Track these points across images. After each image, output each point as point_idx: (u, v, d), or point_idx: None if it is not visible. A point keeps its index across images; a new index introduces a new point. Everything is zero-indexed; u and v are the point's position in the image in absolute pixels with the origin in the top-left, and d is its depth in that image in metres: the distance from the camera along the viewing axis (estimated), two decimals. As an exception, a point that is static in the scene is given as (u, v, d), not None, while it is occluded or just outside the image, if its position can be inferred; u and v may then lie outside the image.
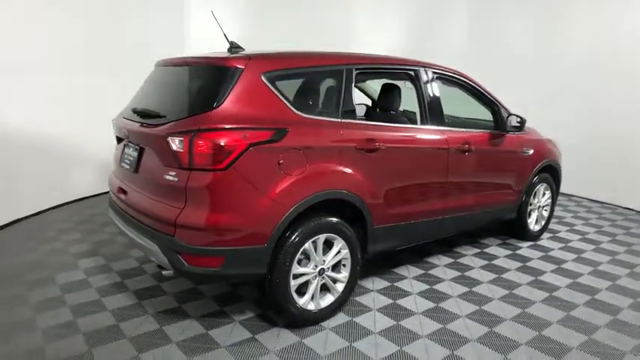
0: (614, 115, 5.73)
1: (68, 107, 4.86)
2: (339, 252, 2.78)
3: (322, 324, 2.77)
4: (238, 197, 2.34)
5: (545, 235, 4.60)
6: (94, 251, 3.80)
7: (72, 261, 3.60)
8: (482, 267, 3.72)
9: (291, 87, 2.69)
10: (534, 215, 4.37)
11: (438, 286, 3.33)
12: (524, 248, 4.20)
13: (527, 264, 3.83)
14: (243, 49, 2.98)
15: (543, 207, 4.47)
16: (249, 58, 2.53)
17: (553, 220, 5.11)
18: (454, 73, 3.61)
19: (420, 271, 3.58)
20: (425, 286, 3.33)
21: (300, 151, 2.51)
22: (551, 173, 4.43)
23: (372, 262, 3.62)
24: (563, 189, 6.37)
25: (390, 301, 3.10)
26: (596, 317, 2.95)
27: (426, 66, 3.38)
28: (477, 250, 4.09)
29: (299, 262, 2.63)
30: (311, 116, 2.65)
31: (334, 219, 2.70)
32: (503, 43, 6.87)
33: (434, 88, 3.35)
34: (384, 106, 3.45)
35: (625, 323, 2.88)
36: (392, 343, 2.59)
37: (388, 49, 7.06)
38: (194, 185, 2.32)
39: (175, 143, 2.33)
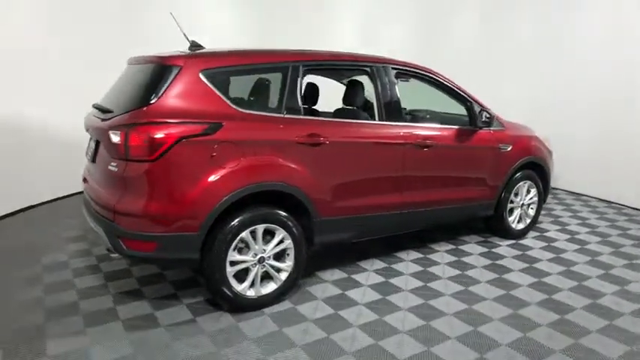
0: (627, 112, 5.42)
1: (83, 101, 5.23)
2: (281, 242, 2.90)
3: (264, 310, 2.90)
4: (170, 187, 2.52)
5: (532, 233, 4.47)
6: (82, 237, 4.14)
7: (61, 245, 3.94)
8: (449, 263, 3.70)
9: (234, 83, 2.83)
10: (516, 213, 4.26)
11: (394, 280, 3.36)
12: (503, 247, 4.12)
13: (497, 262, 3.76)
14: (203, 48, 3.16)
15: (528, 205, 4.35)
16: (188, 56, 2.70)
17: (547, 219, 4.95)
18: (420, 70, 3.61)
19: (382, 265, 3.62)
20: (380, 279, 3.37)
21: (234, 144, 2.65)
22: (537, 171, 4.30)
23: (338, 254, 3.73)
24: (572, 188, 6.19)
25: (339, 291, 3.17)
26: (543, 317, 2.88)
27: (384, 62, 3.41)
28: (451, 247, 4.06)
29: (239, 250, 2.78)
30: (250, 111, 2.78)
31: (273, 210, 2.82)
32: (511, 39, 6.65)
33: (392, 85, 3.38)
34: (346, 103, 3.52)
35: (570, 322, 2.80)
36: (322, 330, 2.67)
37: (402, 49, 7.09)
38: (129, 175, 2.52)
39: (114, 136, 2.54)
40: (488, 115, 3.76)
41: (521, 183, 4.19)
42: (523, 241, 4.26)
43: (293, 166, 2.85)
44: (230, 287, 2.74)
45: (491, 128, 3.92)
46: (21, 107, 4.65)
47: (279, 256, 2.94)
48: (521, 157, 4.10)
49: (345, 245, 3.63)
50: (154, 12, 5.54)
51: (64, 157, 5.04)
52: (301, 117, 2.95)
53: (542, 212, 5.20)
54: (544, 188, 4.41)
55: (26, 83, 4.66)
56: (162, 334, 2.62)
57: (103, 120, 2.78)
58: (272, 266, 2.90)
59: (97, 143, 2.91)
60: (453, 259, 3.80)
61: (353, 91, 3.50)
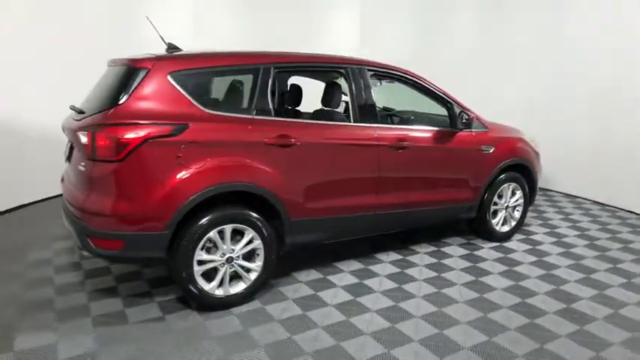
0: (626, 114, 5.32)
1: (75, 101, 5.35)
2: (251, 242, 2.93)
3: (233, 309, 2.92)
4: (136, 187, 2.57)
5: (518, 236, 4.42)
6: (69, 235, 4.20)
7: (47, 243, 4.03)
8: (428, 265, 3.69)
9: (203, 85, 2.87)
10: (501, 215, 4.22)
11: (369, 281, 3.36)
12: (485, 249, 4.08)
13: (477, 264, 3.73)
14: (181, 50, 3.21)
15: (514, 207, 4.31)
16: (157, 59, 2.74)
17: (536, 222, 4.90)
18: (398, 72, 3.60)
19: (359, 266, 3.63)
20: (355, 280, 3.37)
21: (200, 145, 2.68)
22: (523, 173, 4.26)
23: (316, 254, 3.74)
24: (568, 190, 6.09)
25: (311, 292, 3.19)
26: (512, 320, 2.86)
27: (360, 64, 3.41)
28: (433, 249, 4.04)
29: (208, 250, 2.81)
30: (218, 112, 2.81)
31: (242, 210, 2.85)
32: (510, 39, 6.57)
33: (367, 87, 3.38)
34: (324, 104, 3.53)
35: (540, 327, 2.77)
36: (286, 331, 2.69)
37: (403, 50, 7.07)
38: (97, 175, 2.58)
39: (83, 137, 2.60)
40: (467, 117, 3.73)
41: (505, 185, 4.15)
42: (507, 244, 4.22)
43: (261, 167, 2.87)
44: (197, 286, 2.78)
45: (473, 130, 3.89)
46: (12, 108, 4.75)
47: (250, 256, 2.97)
48: (505, 159, 4.06)
49: (324, 246, 3.65)
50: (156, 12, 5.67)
51: (57, 156, 5.15)
52: (271, 118, 2.97)
53: (532, 214, 5.16)
54: (530, 190, 4.36)
55: (18, 84, 4.76)
56: (129, 330, 2.67)
57: (75, 121, 2.84)
58: (241, 266, 2.92)
59: (72, 144, 2.98)
60: (433, 261, 3.78)
61: (330, 92, 3.51)
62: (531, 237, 4.43)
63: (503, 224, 4.28)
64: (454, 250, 4.04)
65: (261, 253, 2.97)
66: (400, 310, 2.96)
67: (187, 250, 2.70)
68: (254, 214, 2.89)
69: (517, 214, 4.35)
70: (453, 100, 3.81)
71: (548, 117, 6.06)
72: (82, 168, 2.66)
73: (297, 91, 4.00)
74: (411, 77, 3.66)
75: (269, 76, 3.00)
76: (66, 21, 5.12)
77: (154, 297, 3.06)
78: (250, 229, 2.89)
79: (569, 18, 5.86)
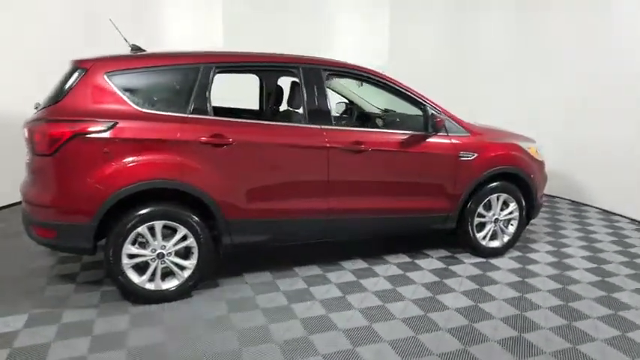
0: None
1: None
2: (184, 239, 2.96)
3: (165, 304, 2.98)
4: (65, 180, 2.72)
5: (513, 252, 3.99)
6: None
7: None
8: (389, 277, 3.46)
9: (140, 85, 2.94)
10: (488, 229, 3.84)
11: (314, 289, 3.24)
12: (465, 264, 3.74)
13: (444, 280, 3.43)
14: (144, 50, 3.34)
15: (508, 221, 3.90)
16: (96, 59, 2.88)
17: (547, 238, 4.38)
18: (360, 71, 3.45)
19: (317, 272, 3.51)
20: (302, 287, 3.27)
21: (128, 142, 2.77)
22: (518, 183, 3.83)
23: (278, 256, 3.70)
24: (607, 206, 5.35)
25: (251, 294, 3.14)
26: (442, 346, 2.58)
27: (313, 63, 3.31)
28: (406, 260, 3.78)
29: (142, 245, 2.90)
30: (151, 111, 2.88)
31: (173, 207, 2.89)
32: (546, 38, 5.95)
33: (320, 87, 3.27)
34: (288, 104, 3.48)
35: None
36: (205, 330, 2.69)
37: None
38: (35, 168, 2.78)
39: (26, 132, 2.81)
40: (434, 120, 3.44)
41: (493, 195, 3.77)
42: (494, 261, 3.83)
43: (193, 165, 2.89)
44: (127, 279, 2.87)
45: (451, 134, 3.59)
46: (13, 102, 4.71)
47: (187, 254, 3.01)
48: (490, 167, 3.68)
49: (295, 247, 3.59)
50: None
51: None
52: (207, 117, 2.98)
53: (548, 229, 4.63)
54: (528, 203, 3.92)
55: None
56: (67, 315, 2.81)
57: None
58: (174, 263, 2.97)
59: None
60: (398, 272, 3.54)
61: (293, 93, 3.44)
62: (528, 255, 3.97)
63: (492, 239, 3.89)
64: (429, 262, 3.75)
65: (195, 251, 2.99)
66: (326, 320, 2.81)
67: (116, 243, 2.81)
68: (185, 212, 2.92)
69: (511, 229, 3.93)
70: (426, 102, 3.55)
71: (587, 117, 5.41)
72: (27, 161, 2.88)
73: (279, 92, 3.97)
74: (375, 77, 3.47)
75: (208, 75, 3.01)
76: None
77: (103, 285, 3.21)
78: (182, 227, 2.93)
79: (612, 18, 5.17)
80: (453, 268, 3.67)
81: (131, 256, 2.88)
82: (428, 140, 3.50)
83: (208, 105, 3.00)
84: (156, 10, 6.39)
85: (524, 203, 3.88)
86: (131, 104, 2.84)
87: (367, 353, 2.49)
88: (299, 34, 6.57)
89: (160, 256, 2.93)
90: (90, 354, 2.43)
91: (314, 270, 3.54)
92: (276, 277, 3.39)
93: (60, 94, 2.79)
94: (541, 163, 4.03)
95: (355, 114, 4.35)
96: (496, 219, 3.85)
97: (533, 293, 3.25)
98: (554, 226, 4.82)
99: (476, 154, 3.65)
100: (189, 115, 2.94)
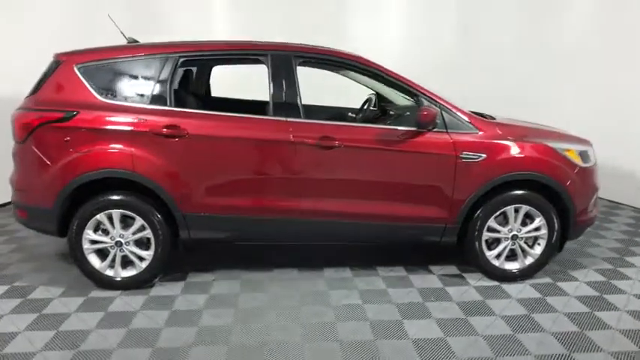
0: None
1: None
2: (144, 229, 2.97)
3: (126, 292, 3.02)
4: (32, 166, 2.90)
5: (544, 278, 3.24)
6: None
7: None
8: (364, 291, 3.05)
9: (107, 75, 2.99)
10: (503, 246, 3.16)
11: (259, 296, 3.01)
12: (467, 287, 3.13)
13: (426, 303, 2.91)
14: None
15: (534, 239, 3.18)
16: (71, 52, 3.00)
17: (604, 264, 3.48)
18: (340, 57, 3.08)
19: (287, 276, 3.26)
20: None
21: (87, 131, 2.84)
22: (547, 193, 3.08)
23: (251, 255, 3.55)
24: None
25: (205, 295, 3.02)
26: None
27: (284, 49, 3.03)
28: (398, 274, 3.31)
29: (105, 232, 2.98)
30: (113, 101, 2.91)
31: (130, 197, 2.91)
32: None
33: (288, 75, 2.98)
34: None
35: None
36: (151, 323, 2.67)
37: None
38: (14, 154, 3.01)
39: (11, 121, 3.07)
40: (420, 113, 2.89)
41: (509, 207, 3.08)
42: (508, 286, 3.14)
43: (146, 156, 2.86)
44: (88, 263, 2.98)
45: (451, 130, 3.02)
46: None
47: (149, 244, 3.01)
48: (503, 172, 3.01)
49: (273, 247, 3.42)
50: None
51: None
52: (165, 108, 2.92)
53: (613, 253, 3.68)
54: (563, 219, 3.13)
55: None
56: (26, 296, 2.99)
57: None
58: (132, 252, 3.00)
59: None
60: (377, 288, 3.10)
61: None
62: (560, 283, 3.18)
63: (509, 259, 3.20)
64: (424, 280, 3.23)
65: (152, 242, 2.98)
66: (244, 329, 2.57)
67: (77, 229, 2.92)
68: (141, 203, 2.92)
69: (537, 249, 3.18)
70: (420, 92, 3.03)
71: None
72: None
73: None
74: (358, 64, 3.06)
75: (172, 66, 2.95)
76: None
77: (72, 271, 3.39)
78: (139, 217, 2.93)
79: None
80: (449, 289, 3.10)
81: (93, 242, 2.98)
82: (417, 137, 2.98)
83: (168, 96, 2.94)
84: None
85: (555, 219, 3.11)
86: (95, 95, 2.91)
87: None
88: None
89: (119, 244, 2.98)
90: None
91: (285, 275, 3.29)
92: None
93: (38, 85, 2.98)
94: (586, 170, 3.19)
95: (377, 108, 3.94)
96: (514, 235, 3.15)
97: (530, 333, 2.57)
98: (623, 249, 3.81)
99: (484, 156, 3.01)
100: (147, 106, 2.92)
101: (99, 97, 2.91)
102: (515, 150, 3.06)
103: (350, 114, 4.22)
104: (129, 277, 3.03)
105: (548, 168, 3.06)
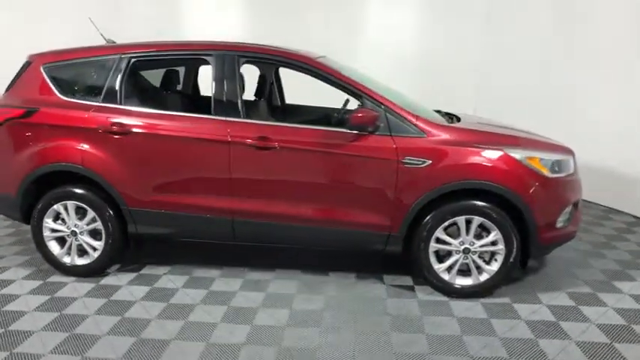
0: None
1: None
2: (95, 221, 3.14)
3: (80, 279, 3.21)
4: (1, 157, 3.18)
5: (503, 297, 2.96)
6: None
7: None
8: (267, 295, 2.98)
9: (70, 75, 3.19)
10: (454, 260, 2.93)
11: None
12: (407, 300, 2.94)
13: (357, 314, 2.78)
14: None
15: (491, 255, 2.93)
16: (40, 53, 3.23)
17: (581, 287, 3.13)
18: (279, 55, 3.06)
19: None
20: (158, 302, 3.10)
21: (45, 127, 3.06)
22: (505, 205, 2.82)
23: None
24: None
25: (148, 287, 3.10)
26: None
27: (228, 49, 3.05)
28: (350, 280, 3.19)
29: (64, 221, 3.18)
30: (71, 99, 3.10)
31: (81, 190, 3.08)
32: None
33: (230, 74, 2.99)
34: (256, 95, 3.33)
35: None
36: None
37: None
38: None
39: None
40: (347, 117, 2.77)
41: (460, 217, 2.85)
42: (457, 302, 2.91)
43: (95, 151, 3.02)
44: (48, 250, 3.20)
45: (395, 134, 2.85)
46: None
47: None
48: (449, 179, 2.80)
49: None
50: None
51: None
52: (115, 106, 3.06)
53: (602, 276, 3.28)
54: (522, 234, 2.84)
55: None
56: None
57: None
58: (86, 242, 3.18)
59: None
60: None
61: (259, 84, 3.29)
62: (517, 304, 2.88)
63: (463, 274, 2.96)
64: (372, 288, 3.08)
65: (103, 233, 3.14)
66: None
67: (38, 217, 3.15)
68: (93, 196, 3.08)
69: (494, 266, 2.92)
70: (364, 93, 2.90)
71: None
72: None
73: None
74: (303, 63, 2.99)
75: (124, 66, 3.09)
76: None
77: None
78: (90, 210, 3.10)
79: None
80: (391, 300, 2.94)
81: (53, 230, 3.19)
82: (358, 139, 2.86)
83: (119, 94, 3.08)
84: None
85: (513, 233, 2.83)
86: (57, 93, 3.13)
87: None
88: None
89: (74, 233, 3.17)
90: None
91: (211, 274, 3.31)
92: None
93: (11, 84, 3.26)
94: (554, 181, 2.86)
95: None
96: (466, 249, 2.91)
97: (446, 356, 2.36)
98: (617, 272, 3.37)
99: (429, 161, 2.81)
100: (99, 104, 3.07)
101: (59, 95, 3.12)
102: (464, 156, 2.82)
103: (335, 114, 4.15)
104: (82, 265, 3.21)
105: (502, 177, 2.79)
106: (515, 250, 2.86)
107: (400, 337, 2.54)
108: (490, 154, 2.82)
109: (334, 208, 2.96)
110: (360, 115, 2.77)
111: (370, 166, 2.87)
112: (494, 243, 2.88)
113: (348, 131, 2.87)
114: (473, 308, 2.86)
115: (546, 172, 2.85)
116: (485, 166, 2.80)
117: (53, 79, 3.15)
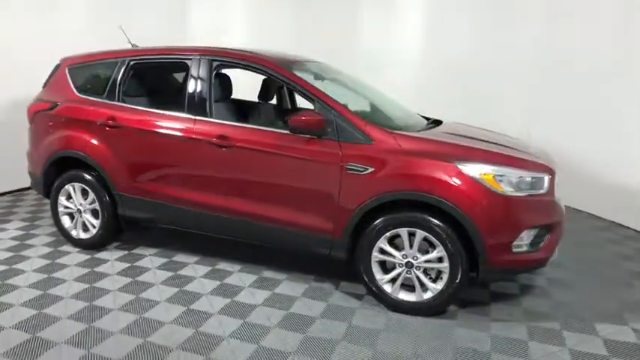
0: None
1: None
2: (94, 202, 3.63)
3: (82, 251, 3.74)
4: (32, 143, 3.83)
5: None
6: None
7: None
8: (212, 291, 3.11)
9: (86, 75, 3.73)
10: (395, 273, 2.81)
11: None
12: (355, 309, 2.89)
13: (249, 320, 2.82)
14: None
15: (438, 271, 2.77)
16: (68, 57, 3.82)
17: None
18: (246, 60, 3.25)
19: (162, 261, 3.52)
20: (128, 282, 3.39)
21: (62, 119, 3.63)
22: (448, 220, 2.65)
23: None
24: None
25: (129, 280, 3.43)
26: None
27: (202, 53, 3.33)
28: (309, 288, 3.24)
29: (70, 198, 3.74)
30: (84, 96, 3.63)
31: (85, 174, 3.58)
32: None
33: (201, 77, 3.25)
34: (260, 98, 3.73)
35: None
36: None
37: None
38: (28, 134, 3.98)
39: None
40: (286, 119, 2.83)
41: (402, 229, 2.74)
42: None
43: (94, 142, 3.49)
44: (61, 223, 3.77)
45: (343, 139, 2.85)
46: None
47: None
48: (386, 190, 2.72)
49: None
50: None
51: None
52: (112, 103, 3.51)
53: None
54: (469, 251, 2.65)
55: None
56: None
57: None
58: (87, 219, 3.68)
59: None
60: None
61: (263, 87, 3.83)
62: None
63: (408, 289, 2.84)
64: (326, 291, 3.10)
65: (100, 212, 3.61)
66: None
67: (54, 195, 3.74)
68: (93, 180, 3.56)
69: (439, 285, 2.75)
70: (316, 96, 2.94)
71: None
72: None
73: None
74: (268, 69, 3.14)
75: (122, 68, 3.53)
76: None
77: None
78: (91, 192, 3.60)
79: None
80: (312, 302, 2.92)
81: (65, 207, 3.75)
82: (305, 143, 2.91)
83: (117, 93, 3.52)
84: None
85: (458, 252, 2.65)
86: (73, 90, 3.69)
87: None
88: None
89: (79, 211, 3.70)
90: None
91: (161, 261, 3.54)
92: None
93: (46, 82, 3.91)
94: (508, 200, 2.61)
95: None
96: (409, 262, 2.78)
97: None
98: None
99: (371, 169, 2.76)
100: (102, 100, 3.55)
101: (75, 92, 3.68)
102: (407, 166, 2.71)
103: None
104: (85, 239, 3.72)
105: (444, 190, 2.62)
106: (461, 269, 2.67)
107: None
108: (435, 166, 2.67)
109: (284, 208, 3.04)
110: (300, 118, 2.83)
111: (316, 170, 2.90)
112: (441, 260, 2.72)
113: (300, 135, 2.93)
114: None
115: (501, 190, 2.61)
116: (427, 177, 2.66)
117: (72, 79, 3.72)
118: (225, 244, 3.63)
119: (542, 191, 2.72)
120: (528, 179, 2.69)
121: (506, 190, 2.62)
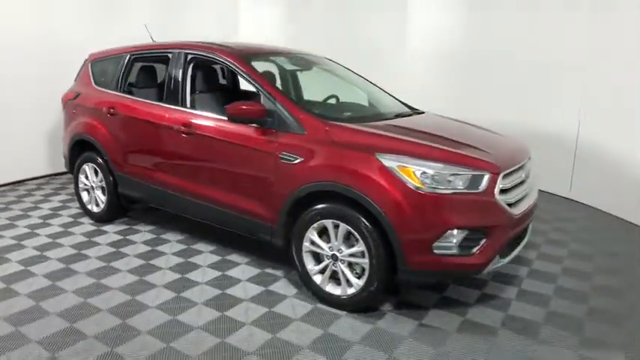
0: None
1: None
2: (103, 181, 4.14)
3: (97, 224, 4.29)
4: (64, 127, 4.47)
5: (376, 319, 2.68)
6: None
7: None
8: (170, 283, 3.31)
9: (103, 69, 4.23)
10: (322, 265, 2.80)
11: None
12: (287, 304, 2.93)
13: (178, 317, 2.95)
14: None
15: (360, 265, 2.69)
16: (93, 53, 4.38)
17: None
18: (211, 52, 3.44)
19: (146, 249, 3.80)
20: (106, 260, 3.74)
21: (81, 107, 4.20)
22: (367, 213, 2.57)
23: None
24: None
25: (113, 249, 3.94)
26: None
27: (180, 48, 3.60)
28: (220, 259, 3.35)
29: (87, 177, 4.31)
30: (99, 88, 4.16)
31: (94, 155, 4.09)
32: None
33: (178, 69, 3.52)
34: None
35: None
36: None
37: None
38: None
39: None
40: (228, 107, 2.96)
41: (327, 221, 2.71)
42: (335, 313, 2.76)
43: (101, 128, 3.99)
44: (81, 198, 4.37)
45: (281, 129, 2.90)
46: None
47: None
48: (309, 180, 2.72)
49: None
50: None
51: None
52: (115, 93, 3.97)
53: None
54: (386, 246, 2.54)
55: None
56: None
57: None
58: (98, 196, 4.21)
59: None
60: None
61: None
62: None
63: (335, 282, 2.80)
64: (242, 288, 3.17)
65: (106, 190, 4.10)
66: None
67: (75, 172, 4.33)
68: (101, 161, 4.06)
69: (361, 281, 2.66)
70: (259, 86, 3.04)
71: None
72: None
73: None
74: (230, 63, 3.30)
75: (128, 62, 3.98)
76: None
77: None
78: (100, 171, 4.11)
79: None
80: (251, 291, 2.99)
81: (83, 184, 4.33)
82: (248, 131, 3.02)
83: (120, 84, 3.97)
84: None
85: (376, 248, 2.55)
86: (92, 83, 4.25)
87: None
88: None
89: (92, 188, 4.24)
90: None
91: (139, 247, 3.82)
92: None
93: (77, 74, 4.54)
94: (429, 197, 2.43)
95: None
96: (334, 255, 2.74)
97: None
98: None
99: (301, 159, 2.77)
100: (110, 91, 4.04)
101: (94, 85, 4.23)
102: (330, 157, 2.69)
103: None
104: (96, 213, 4.26)
105: (359, 182, 2.54)
106: (379, 265, 2.56)
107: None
108: (357, 158, 2.61)
109: (230, 193, 3.20)
110: (234, 107, 2.95)
111: (255, 158, 3.00)
112: (364, 255, 2.64)
113: (247, 124, 3.05)
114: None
115: (419, 184, 2.45)
116: (347, 169, 2.60)
117: (92, 72, 4.28)
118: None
119: (476, 190, 2.49)
120: (458, 175, 2.48)
121: (427, 185, 2.45)
